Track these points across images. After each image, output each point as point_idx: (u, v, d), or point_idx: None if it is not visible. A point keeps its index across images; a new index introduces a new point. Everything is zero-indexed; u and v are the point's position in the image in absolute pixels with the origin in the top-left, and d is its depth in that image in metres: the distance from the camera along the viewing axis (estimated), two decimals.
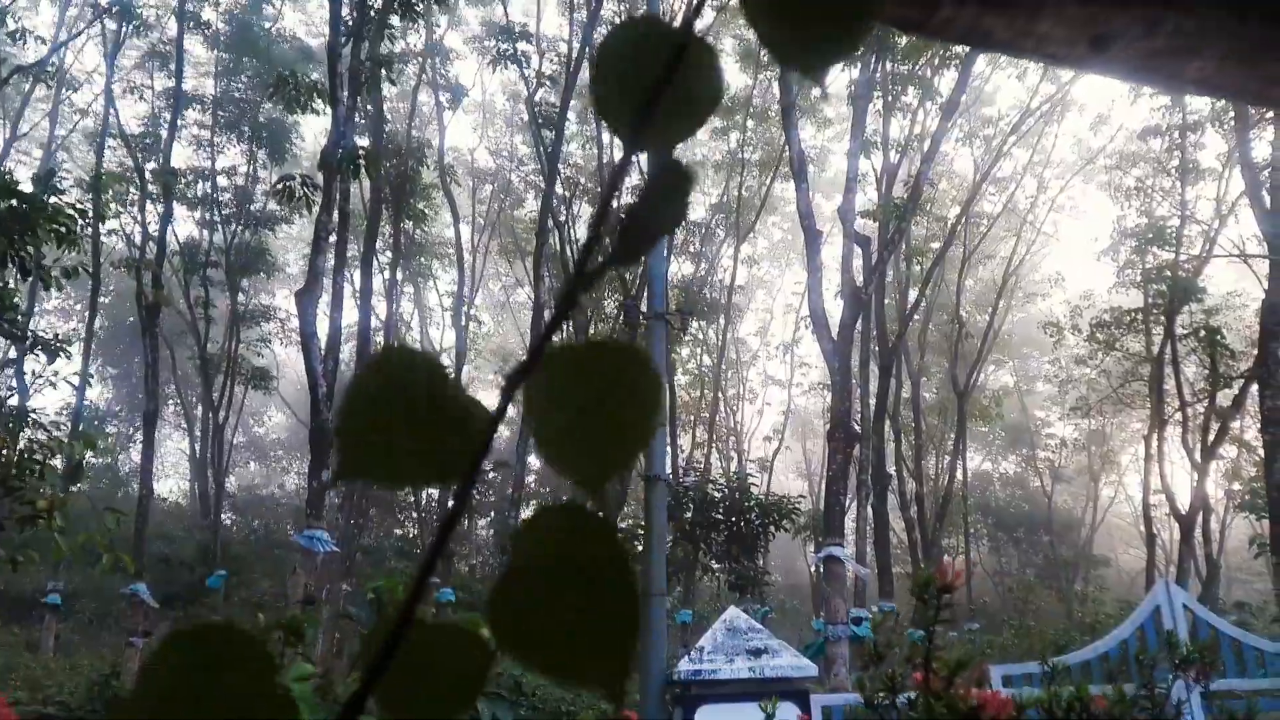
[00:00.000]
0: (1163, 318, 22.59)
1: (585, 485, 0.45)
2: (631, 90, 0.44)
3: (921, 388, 29.33)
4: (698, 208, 33.39)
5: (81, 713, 10.74)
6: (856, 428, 15.67)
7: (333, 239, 13.32)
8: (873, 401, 20.78)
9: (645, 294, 14.45)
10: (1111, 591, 33.38)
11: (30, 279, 7.09)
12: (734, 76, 27.25)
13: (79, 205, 7.01)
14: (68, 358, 7.56)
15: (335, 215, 12.94)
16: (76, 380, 12.52)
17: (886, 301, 24.23)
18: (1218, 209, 23.07)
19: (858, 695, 3.22)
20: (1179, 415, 22.43)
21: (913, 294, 25.42)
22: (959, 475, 29.56)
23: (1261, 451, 23.51)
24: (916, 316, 26.36)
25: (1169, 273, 22.88)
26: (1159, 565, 26.89)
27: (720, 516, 15.70)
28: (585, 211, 25.96)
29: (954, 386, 28.23)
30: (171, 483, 43.84)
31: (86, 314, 21.09)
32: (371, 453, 0.45)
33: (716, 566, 16.67)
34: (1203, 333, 21.10)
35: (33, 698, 10.95)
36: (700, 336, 30.32)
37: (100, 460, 34.65)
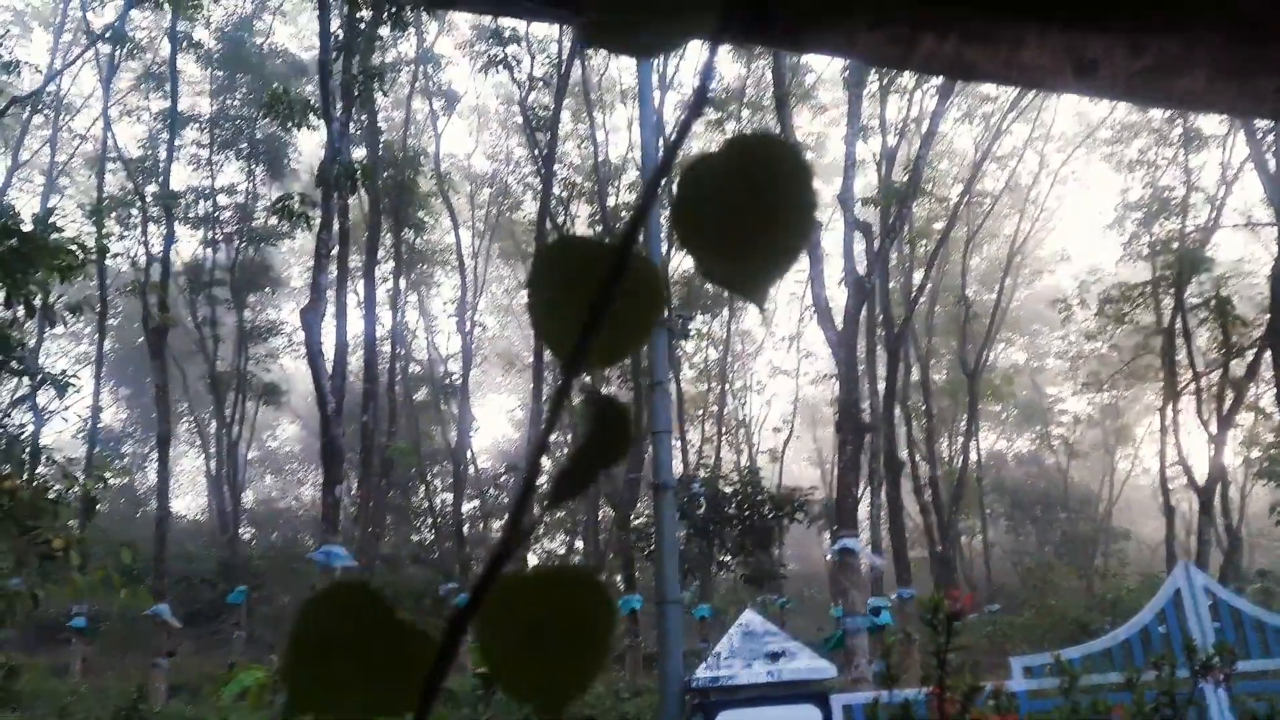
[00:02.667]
0: (1172, 289, 22.48)
1: (542, 713, 0.44)
2: (569, 311, 0.43)
3: (931, 370, 29.23)
4: None
5: None
6: (865, 418, 15.64)
7: (335, 253, 13.33)
8: (881, 387, 20.70)
9: None
10: (1132, 565, 33.27)
11: (34, 316, 7.11)
12: (727, 67, 27.17)
13: (79, 240, 7.00)
14: (76, 391, 7.60)
15: (335, 231, 12.95)
16: (88, 413, 12.58)
17: (891, 285, 24.15)
18: (1222, 176, 22.92)
19: (879, 692, 3.20)
20: (1193, 386, 22.32)
21: (917, 276, 25.32)
22: (972, 456, 29.47)
23: (1278, 417, 23.44)
24: (922, 299, 26.27)
25: (1176, 244, 22.76)
26: (1179, 537, 26.81)
27: (733, 512, 15.68)
28: (583, 211, 25.93)
29: (963, 368, 28.14)
30: (189, 500, 44.03)
31: (96, 336, 21.18)
32: (321, 691, 0.44)
33: (732, 561, 16.66)
34: (1213, 302, 20.99)
35: None
36: (705, 330, 30.27)
37: (118, 481, 34.82)
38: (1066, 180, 33.49)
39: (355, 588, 0.44)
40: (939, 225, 25.93)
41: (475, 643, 0.43)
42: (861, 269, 16.03)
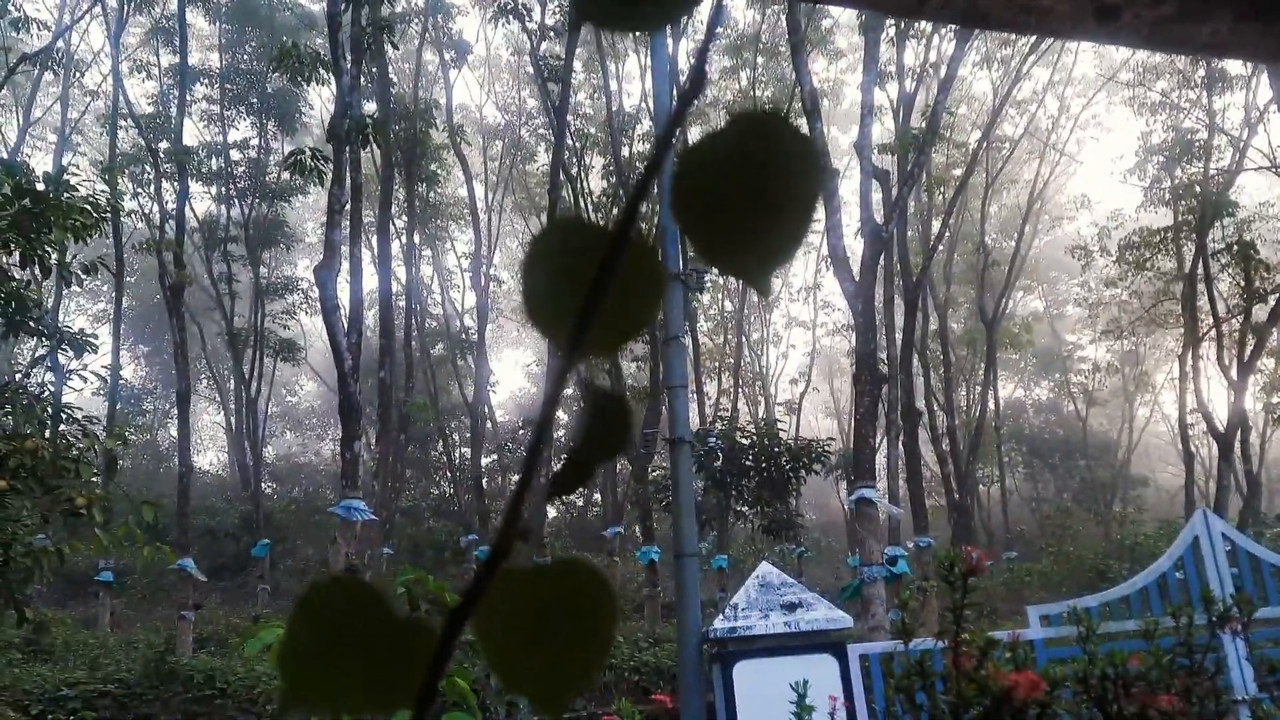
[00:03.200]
0: (1194, 234, 22.21)
1: (545, 710, 0.43)
2: (564, 297, 0.41)
3: (949, 319, 29.08)
4: None
5: (139, 689, 11.01)
6: (883, 369, 15.58)
7: (347, 208, 13.29)
8: (899, 337, 20.61)
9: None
10: (1151, 511, 33.30)
11: (50, 276, 7.13)
12: (741, 13, 26.77)
13: (93, 198, 7.00)
14: (94, 351, 7.65)
15: (348, 186, 12.89)
16: (106, 373, 12.66)
17: (909, 234, 23.93)
18: (1246, 118, 22.52)
19: (895, 642, 3.21)
20: (1214, 332, 22.12)
21: (936, 224, 25.09)
22: (991, 405, 29.39)
23: None
24: (940, 247, 26.03)
25: (1198, 187, 22.43)
26: (1198, 483, 26.77)
27: (750, 463, 15.72)
28: (597, 163, 25.73)
29: (982, 316, 27.98)
30: (211, 455, 44.55)
31: (114, 294, 21.27)
32: (316, 686, 0.43)
33: (749, 512, 16.74)
34: (1235, 247, 20.72)
35: (92, 677, 11.24)
36: (721, 282, 30.14)
37: (139, 438, 35.20)
38: (1087, 124, 33.01)
39: (351, 583, 0.43)
40: (957, 172, 25.61)
41: (475, 636, 0.42)
42: (879, 218, 15.89)
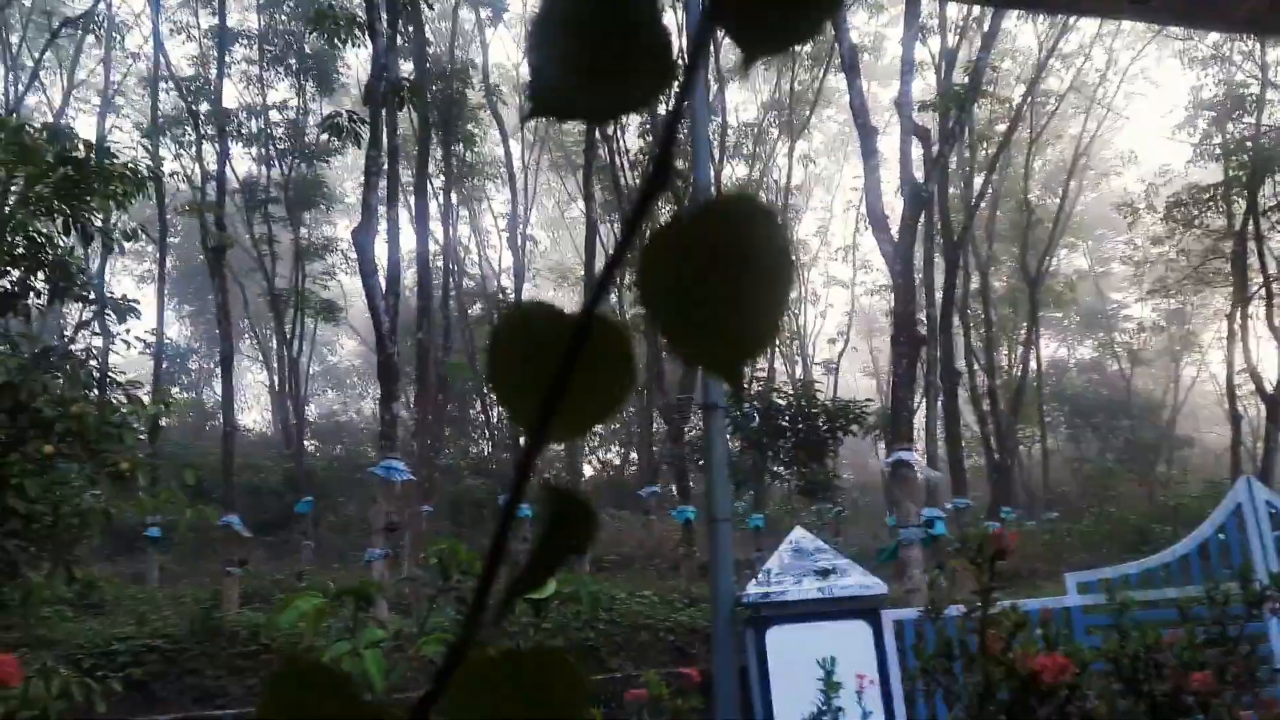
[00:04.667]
0: (1244, 191, 21.67)
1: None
2: (531, 381, 0.40)
3: (991, 278, 28.68)
4: (749, 108, 32.65)
5: (186, 644, 11.29)
6: (922, 331, 15.40)
7: (385, 170, 13.31)
8: (939, 297, 20.37)
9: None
10: (1196, 473, 32.84)
11: (93, 242, 7.23)
12: None
13: (133, 165, 7.07)
14: (137, 316, 7.77)
15: (385, 148, 12.90)
16: (149, 337, 12.88)
17: (950, 192, 23.56)
18: None
19: (927, 616, 3.20)
20: (1264, 291, 21.65)
21: (978, 182, 24.67)
22: (1033, 365, 29.03)
23: None
24: (983, 205, 25.62)
25: (1250, 143, 21.86)
26: (1245, 444, 26.34)
27: (786, 424, 15.68)
28: (633, 120, 25.50)
29: (1024, 275, 27.58)
30: (255, 414, 45.24)
31: (158, 255, 21.56)
32: None
33: (785, 473, 16.73)
34: None
35: (140, 631, 11.54)
36: None
37: (186, 397, 35.83)
38: (1135, 78, 32.17)
39: (319, 670, 0.42)
40: (1001, 128, 25.11)
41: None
42: (919, 176, 15.64)
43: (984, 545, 2.22)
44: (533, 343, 0.40)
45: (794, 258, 0.33)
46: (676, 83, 0.37)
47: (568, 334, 0.39)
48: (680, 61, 0.37)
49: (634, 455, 31.89)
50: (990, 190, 25.46)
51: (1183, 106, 25.29)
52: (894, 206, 16.16)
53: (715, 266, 0.38)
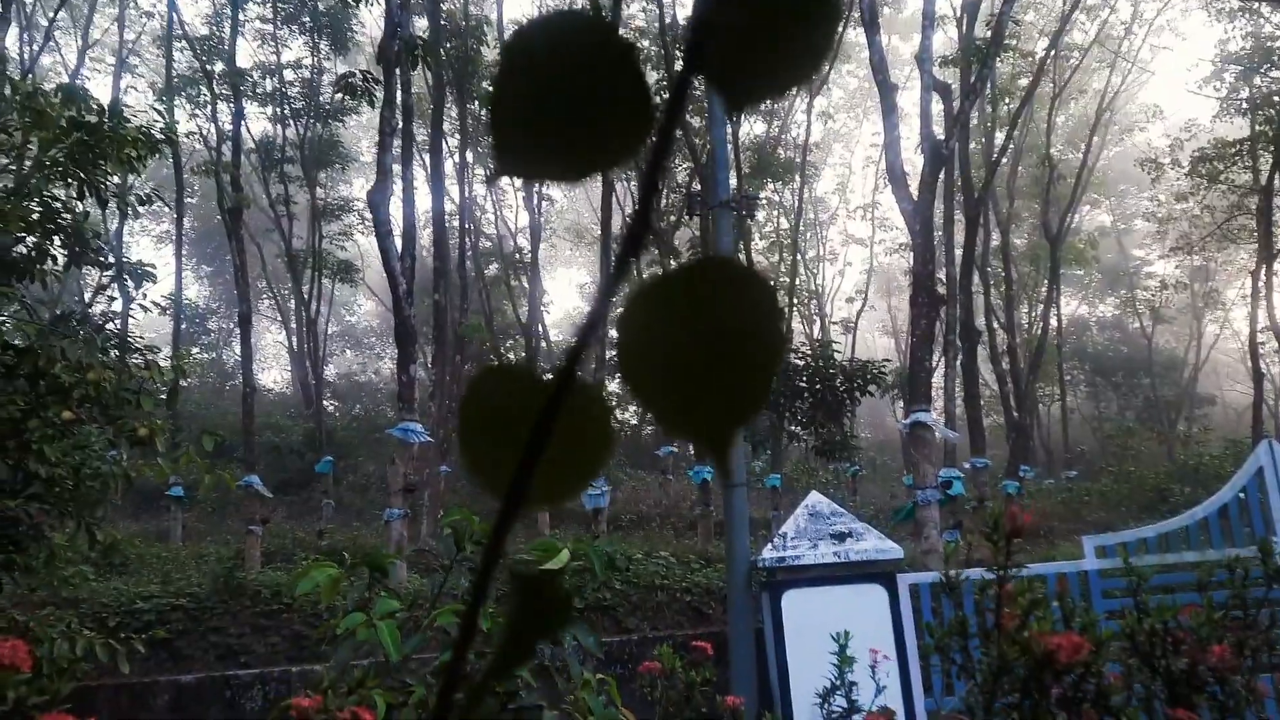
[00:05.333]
0: (1271, 146, 21.30)
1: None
2: (504, 448, 0.38)
3: (1011, 235, 28.38)
4: None
5: (210, 602, 11.44)
6: (941, 289, 15.29)
7: (399, 130, 13.23)
8: (959, 254, 20.18)
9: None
10: (1217, 430, 32.66)
11: (108, 207, 7.23)
12: None
13: (146, 129, 7.04)
14: (153, 281, 7.78)
15: (398, 109, 12.81)
16: (166, 301, 12.91)
17: (971, 148, 23.25)
18: None
19: (941, 579, 3.19)
20: None
21: (999, 137, 24.33)
22: (1053, 323, 28.80)
23: None
24: (1004, 161, 25.28)
25: (1278, 97, 21.45)
26: (1268, 401, 26.14)
27: (804, 384, 15.63)
28: (651, 77, 25.24)
29: (1045, 232, 27.27)
30: (274, 374, 45.55)
31: (175, 216, 21.58)
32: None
33: (802, 433, 16.70)
34: None
35: (165, 590, 11.70)
36: (776, 199, 29.66)
37: (206, 357, 36.08)
38: (1161, 31, 31.59)
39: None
40: (1023, 82, 24.70)
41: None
42: (940, 132, 15.44)
43: (999, 522, 2.20)
44: (506, 407, 0.38)
45: (785, 321, 0.30)
46: (653, 136, 0.34)
47: (542, 398, 0.37)
48: (658, 114, 0.34)
49: (650, 415, 31.90)
50: (1012, 146, 25.09)
51: (1209, 60, 24.80)
52: (914, 163, 15.99)
53: (700, 331, 0.35)
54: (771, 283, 0.35)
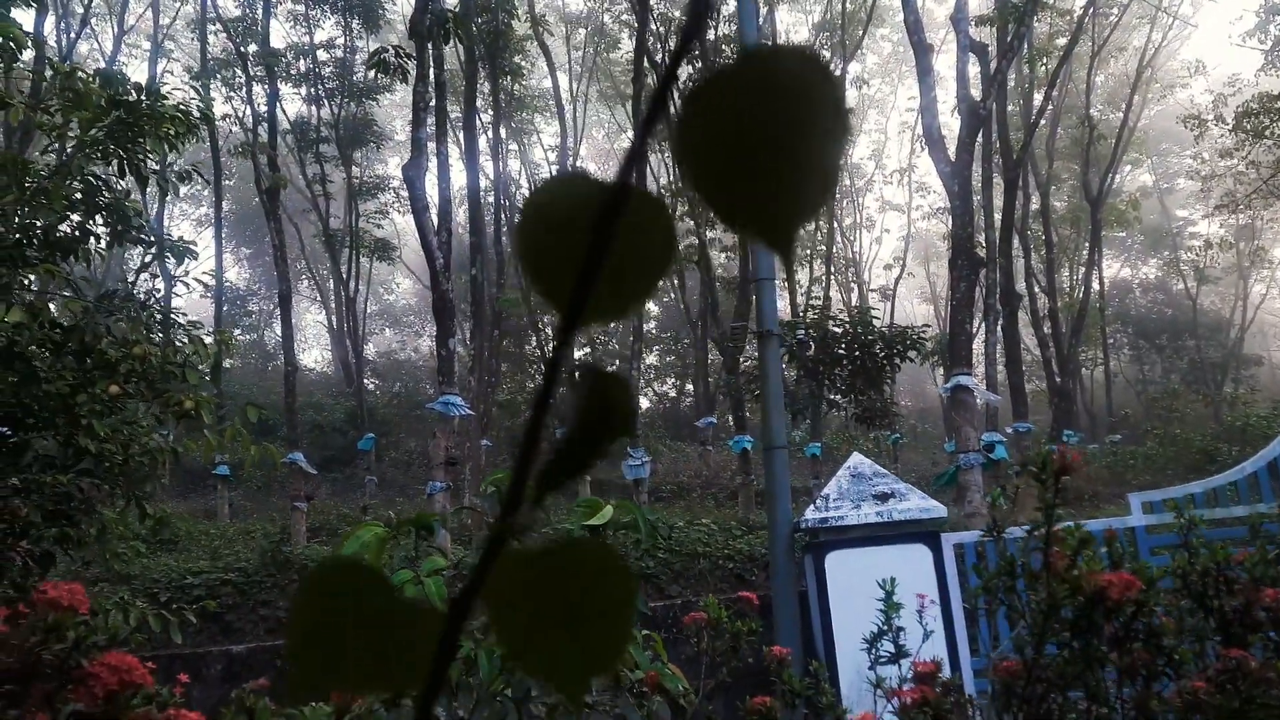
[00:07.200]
0: None
1: (564, 693, 0.41)
2: (565, 258, 0.37)
3: (1051, 198, 27.94)
4: (800, 29, 31.92)
5: (258, 577, 11.64)
6: (980, 253, 15.11)
7: (432, 105, 13.25)
8: (998, 218, 19.91)
9: None
10: (1265, 392, 32.09)
11: (148, 185, 7.32)
12: None
13: (184, 106, 7.11)
14: (194, 258, 7.88)
15: (432, 82, 12.83)
16: (208, 278, 13.07)
17: (1009, 109, 22.87)
18: None
19: (986, 537, 3.17)
20: None
21: (1037, 99, 23.91)
22: (1095, 286, 28.36)
23: None
24: (1043, 122, 24.84)
25: None
26: None
27: (843, 352, 15.52)
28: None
29: (1086, 193, 26.82)
30: (315, 353, 46.08)
31: (214, 199, 21.81)
32: (324, 668, 0.41)
33: (842, 400, 16.61)
34: None
35: (214, 565, 11.92)
36: None
37: (247, 338, 36.54)
38: None
39: (353, 566, 0.41)
40: (1061, 41, 24.22)
41: (488, 619, 0.40)
42: (976, 94, 15.20)
43: (1048, 461, 2.18)
44: (567, 217, 0.38)
45: (848, 112, 0.29)
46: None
47: (601, 204, 0.36)
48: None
49: (689, 387, 31.94)
50: (1050, 107, 24.64)
51: (1254, 11, 24.14)
52: (950, 127, 15.75)
53: (763, 121, 0.34)
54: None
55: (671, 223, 0.38)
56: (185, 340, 6.89)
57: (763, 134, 0.34)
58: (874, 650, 2.80)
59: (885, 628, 2.82)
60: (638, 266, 0.38)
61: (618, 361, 31.33)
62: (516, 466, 0.37)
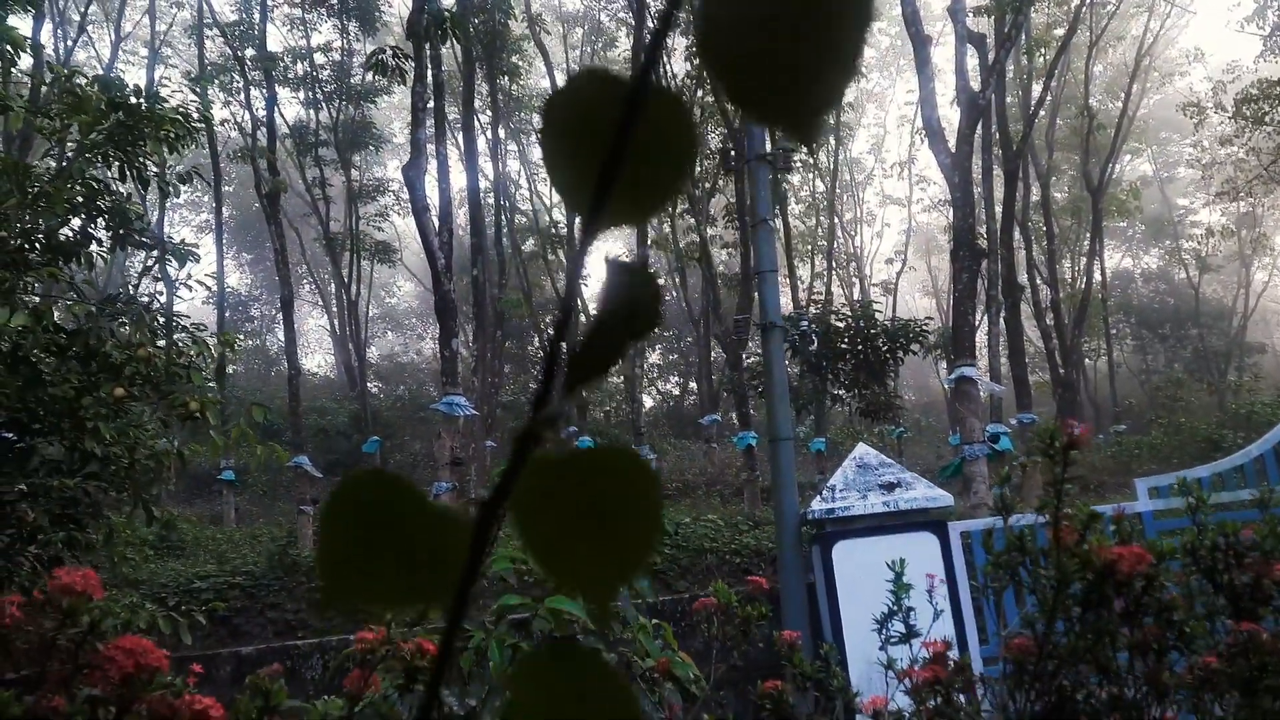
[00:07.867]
0: None
1: (593, 600, 0.41)
2: (586, 158, 0.37)
3: (1051, 189, 27.90)
4: None
5: (265, 580, 11.66)
6: (981, 244, 15.09)
7: (430, 107, 13.25)
8: (999, 209, 19.89)
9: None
10: (1269, 379, 32.06)
11: (149, 188, 7.32)
12: None
13: (183, 109, 7.12)
14: (196, 260, 7.88)
15: (430, 83, 12.83)
16: (211, 281, 13.11)
17: (1008, 100, 22.84)
18: None
19: (996, 519, 3.17)
20: None
21: (1036, 89, 23.89)
22: (1097, 276, 28.33)
23: None
24: (1042, 113, 24.81)
25: None
26: None
27: (845, 346, 15.52)
28: (679, 44, 25.05)
29: (1086, 183, 26.79)
30: (318, 357, 46.09)
31: (214, 204, 21.82)
32: (353, 581, 0.41)
33: (846, 395, 16.61)
34: None
35: (221, 569, 11.93)
36: (811, 161, 29.37)
37: (250, 343, 36.57)
38: None
39: (383, 476, 0.41)
40: (1059, 31, 24.19)
41: (515, 529, 0.40)
42: (975, 85, 15.19)
43: (1055, 435, 2.18)
44: (587, 117, 0.38)
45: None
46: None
47: (621, 104, 0.36)
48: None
49: (693, 385, 31.94)
50: (1049, 97, 24.61)
51: None
52: (950, 119, 15.74)
53: (785, 6, 0.34)
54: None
55: (691, 121, 0.38)
56: (189, 343, 6.90)
57: (784, 20, 0.34)
58: (884, 630, 2.80)
59: (895, 608, 2.82)
60: (659, 165, 0.38)
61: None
62: (545, 362, 0.38)
